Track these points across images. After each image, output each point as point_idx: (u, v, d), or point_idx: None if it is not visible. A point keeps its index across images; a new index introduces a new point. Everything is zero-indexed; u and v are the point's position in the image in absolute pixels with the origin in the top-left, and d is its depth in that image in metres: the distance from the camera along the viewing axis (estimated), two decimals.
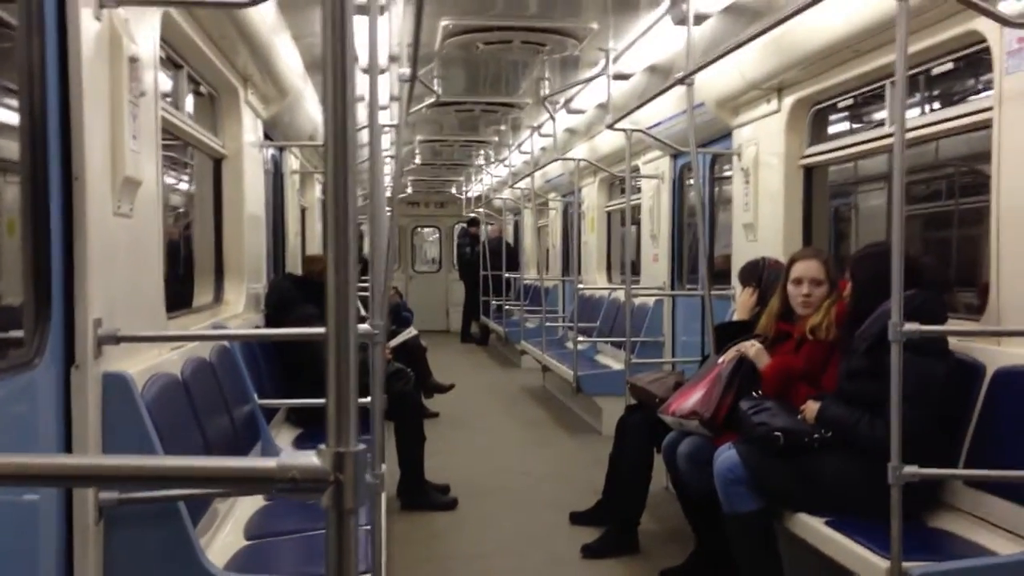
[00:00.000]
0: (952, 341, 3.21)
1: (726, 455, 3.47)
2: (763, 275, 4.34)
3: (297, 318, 4.83)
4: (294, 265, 7.02)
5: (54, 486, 2.11)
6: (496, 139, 10.72)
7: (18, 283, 2.32)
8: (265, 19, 4.34)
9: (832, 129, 5.09)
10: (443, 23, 5.42)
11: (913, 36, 3.40)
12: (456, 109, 8.57)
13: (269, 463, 1.03)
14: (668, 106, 5.77)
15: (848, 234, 6.44)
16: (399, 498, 5.32)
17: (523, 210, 14.06)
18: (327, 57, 1.01)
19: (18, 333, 2.32)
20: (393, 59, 3.91)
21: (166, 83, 3.85)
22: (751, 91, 5.09)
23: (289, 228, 7.11)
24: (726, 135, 5.79)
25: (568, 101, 7.62)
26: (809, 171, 5.06)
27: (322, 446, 1.01)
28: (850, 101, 4.69)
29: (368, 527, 2.81)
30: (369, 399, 2.81)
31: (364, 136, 5.04)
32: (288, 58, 5.13)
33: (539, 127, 8.94)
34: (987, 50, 3.29)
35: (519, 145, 10.44)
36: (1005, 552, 2.82)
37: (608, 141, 7.76)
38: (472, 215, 15.30)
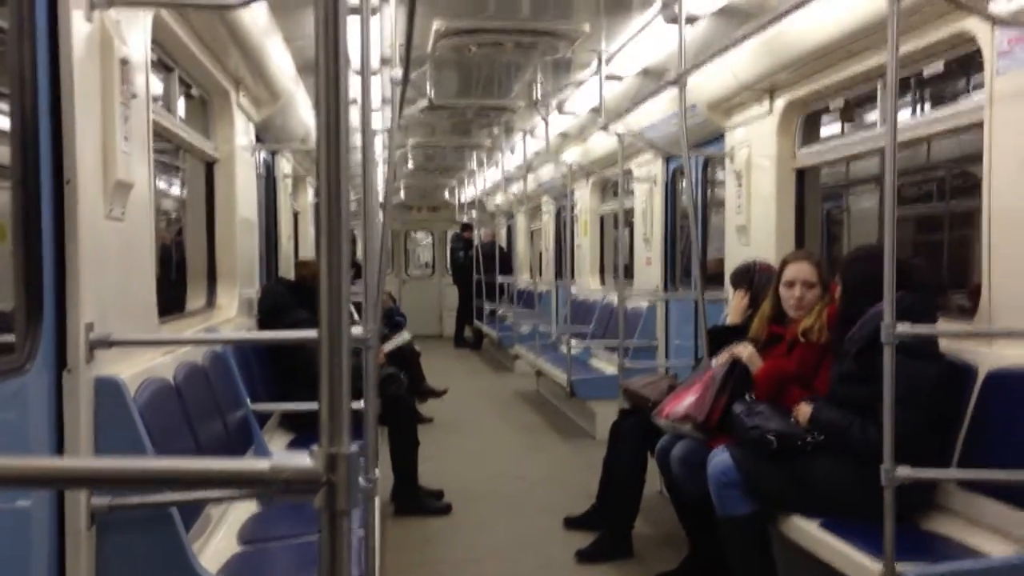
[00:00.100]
0: (944, 343, 3.21)
1: (719, 458, 3.47)
2: (754, 278, 4.35)
3: (290, 324, 4.82)
4: (287, 269, 7.00)
5: (44, 488, 2.10)
6: (489, 142, 10.71)
7: (9, 287, 2.31)
8: (257, 21, 4.32)
9: (824, 131, 5.10)
10: (435, 25, 5.41)
11: (904, 37, 3.43)
12: (449, 112, 8.57)
13: (262, 464, 1.02)
14: (661, 109, 5.78)
15: (841, 236, 6.45)
16: (392, 503, 5.30)
17: (516, 214, 14.05)
18: (319, 59, 1.01)
19: (9, 338, 2.31)
20: (385, 61, 3.89)
21: (157, 86, 3.84)
22: (743, 93, 5.10)
23: (282, 232, 7.08)
24: (718, 137, 5.80)
25: (561, 104, 7.63)
26: (801, 173, 5.06)
27: (315, 447, 1.01)
28: (842, 103, 4.70)
29: (362, 532, 2.80)
30: (362, 403, 2.80)
31: (357, 139, 5.02)
32: (280, 60, 5.11)
33: (532, 130, 8.94)
34: (979, 51, 3.30)
35: (512, 148, 10.44)
36: (997, 554, 2.82)
37: (601, 144, 7.77)
38: (466, 221, 15.28)
